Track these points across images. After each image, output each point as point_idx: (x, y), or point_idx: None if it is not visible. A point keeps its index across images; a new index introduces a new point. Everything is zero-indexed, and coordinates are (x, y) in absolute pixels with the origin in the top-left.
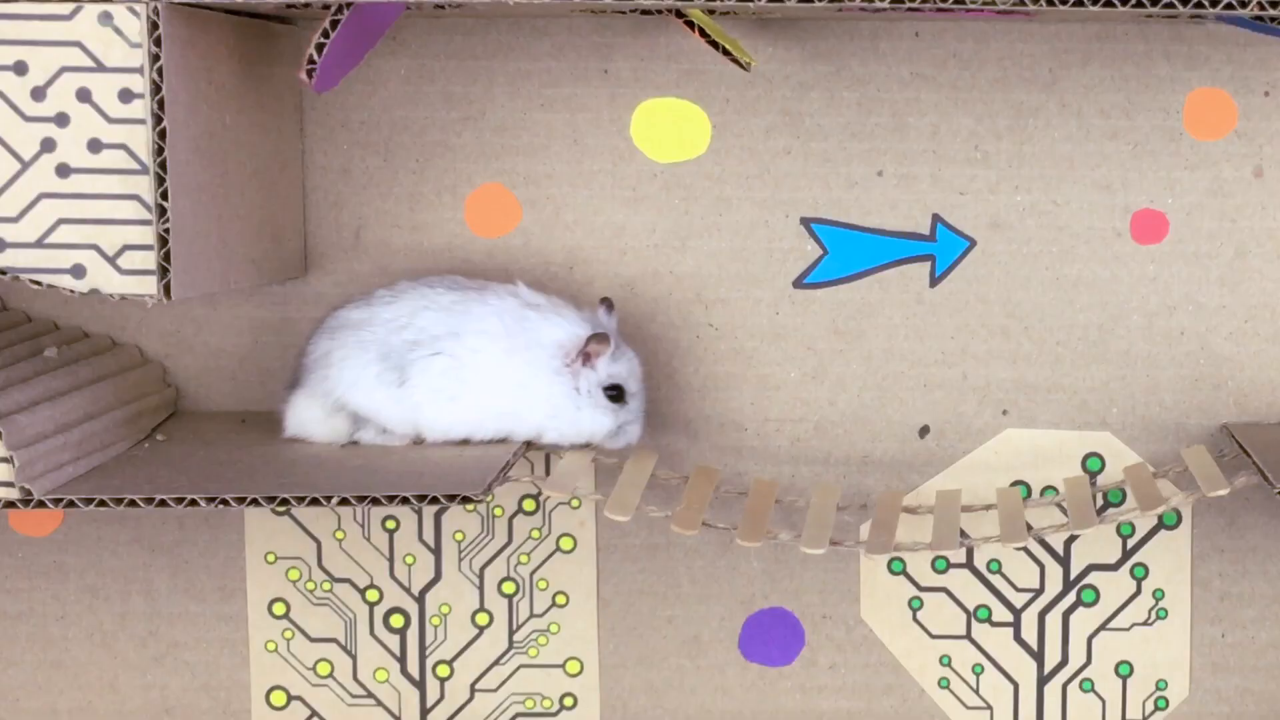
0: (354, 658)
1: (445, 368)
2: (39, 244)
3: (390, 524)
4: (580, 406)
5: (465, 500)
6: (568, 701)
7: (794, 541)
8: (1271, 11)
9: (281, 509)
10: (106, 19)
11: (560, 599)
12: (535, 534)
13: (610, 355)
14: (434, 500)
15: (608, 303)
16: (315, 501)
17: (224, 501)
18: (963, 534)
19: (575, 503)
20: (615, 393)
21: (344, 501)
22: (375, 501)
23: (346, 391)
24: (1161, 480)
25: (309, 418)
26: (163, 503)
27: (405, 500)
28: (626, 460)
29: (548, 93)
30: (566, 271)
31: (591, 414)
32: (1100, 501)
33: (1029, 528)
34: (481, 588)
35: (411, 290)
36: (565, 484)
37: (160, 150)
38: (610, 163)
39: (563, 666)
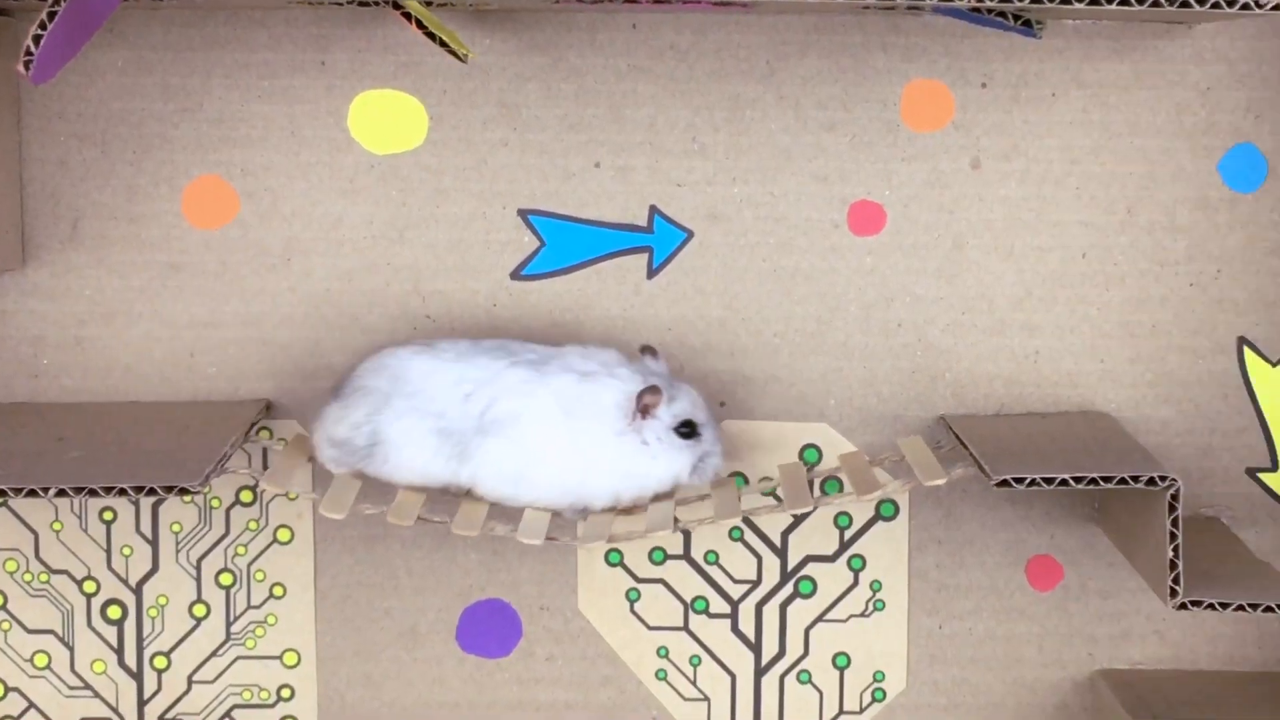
0: (71, 649)
1: (508, 453)
2: None
3: (108, 515)
4: (655, 456)
5: (183, 491)
6: (285, 693)
7: (510, 534)
8: (988, 3)
9: None
10: None
11: (278, 590)
12: (253, 525)
13: (666, 401)
14: (151, 491)
15: (650, 350)
16: (33, 493)
17: None
18: (675, 520)
19: (292, 495)
20: (687, 429)
21: (61, 493)
22: (92, 493)
23: (396, 464)
24: (878, 469)
25: (338, 433)
26: None
27: (123, 491)
28: None
29: (265, 84)
30: (284, 263)
31: (667, 459)
32: (817, 492)
33: (740, 505)
34: (199, 579)
35: (475, 359)
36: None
37: None
38: (328, 154)
39: (280, 658)
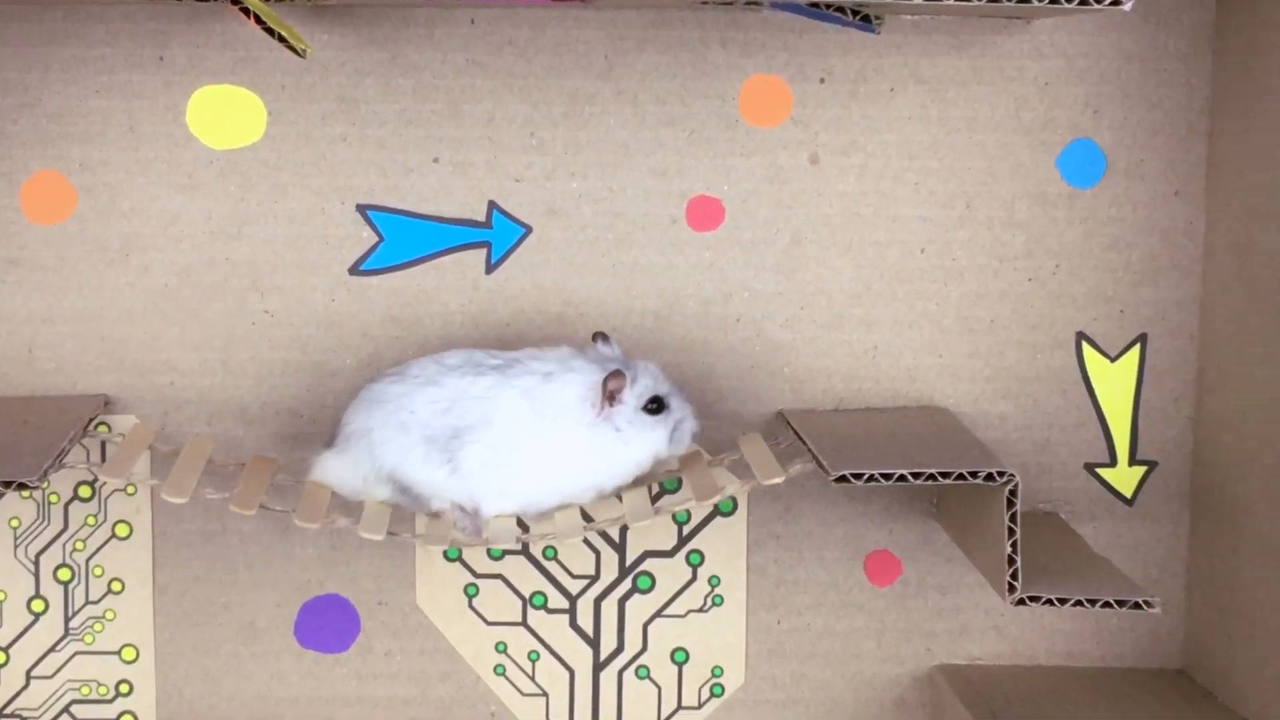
0: None
1: (485, 459)
2: None
3: None
4: (628, 440)
5: (20, 486)
6: (124, 688)
7: (352, 527)
8: None
9: None
10: None
11: (116, 586)
12: (91, 520)
13: (629, 383)
14: None
15: (602, 336)
16: None
17: None
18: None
19: (131, 489)
20: (655, 405)
21: None
22: None
23: (395, 469)
24: (717, 468)
25: (344, 478)
26: None
27: None
28: (184, 445)
29: (103, 79)
30: (123, 259)
31: (641, 439)
32: (656, 489)
33: (585, 520)
34: (37, 574)
35: (446, 372)
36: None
37: None
38: (166, 150)
39: (119, 653)
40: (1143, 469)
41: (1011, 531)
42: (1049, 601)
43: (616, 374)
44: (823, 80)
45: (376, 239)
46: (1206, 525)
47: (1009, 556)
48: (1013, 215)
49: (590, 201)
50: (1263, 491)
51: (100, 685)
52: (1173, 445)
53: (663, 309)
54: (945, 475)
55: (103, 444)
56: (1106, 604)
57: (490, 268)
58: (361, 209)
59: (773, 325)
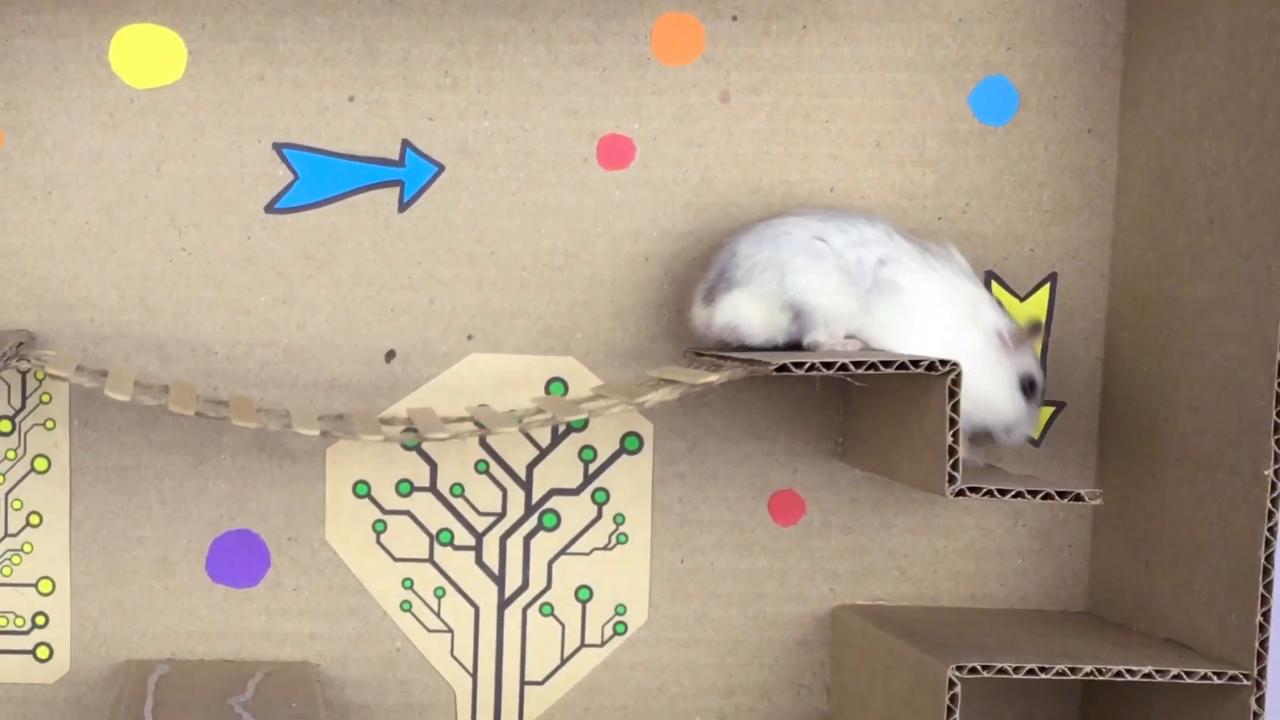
0: None
1: (896, 319)
2: None
3: None
4: (1008, 393)
5: None
6: (40, 620)
7: (285, 429)
8: None
9: None
10: None
11: (34, 519)
12: (11, 455)
13: (1029, 348)
14: None
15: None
16: None
17: None
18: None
19: (50, 424)
20: (1028, 385)
21: None
22: None
23: (801, 293)
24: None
25: (750, 314)
26: None
27: None
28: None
29: (28, 19)
30: (45, 196)
31: (1011, 400)
32: (564, 429)
33: (513, 419)
34: None
35: (859, 222)
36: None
37: None
38: (89, 89)
39: (35, 586)
40: (1050, 409)
41: (953, 422)
42: (989, 493)
43: (1037, 328)
44: (735, 18)
45: (292, 177)
46: (1115, 465)
47: (949, 448)
48: (923, 153)
49: (502, 140)
50: (1172, 429)
51: (17, 617)
52: (1081, 385)
53: (571, 248)
54: (887, 365)
55: (23, 376)
56: (1047, 495)
57: (403, 206)
58: (278, 147)
59: (681, 264)
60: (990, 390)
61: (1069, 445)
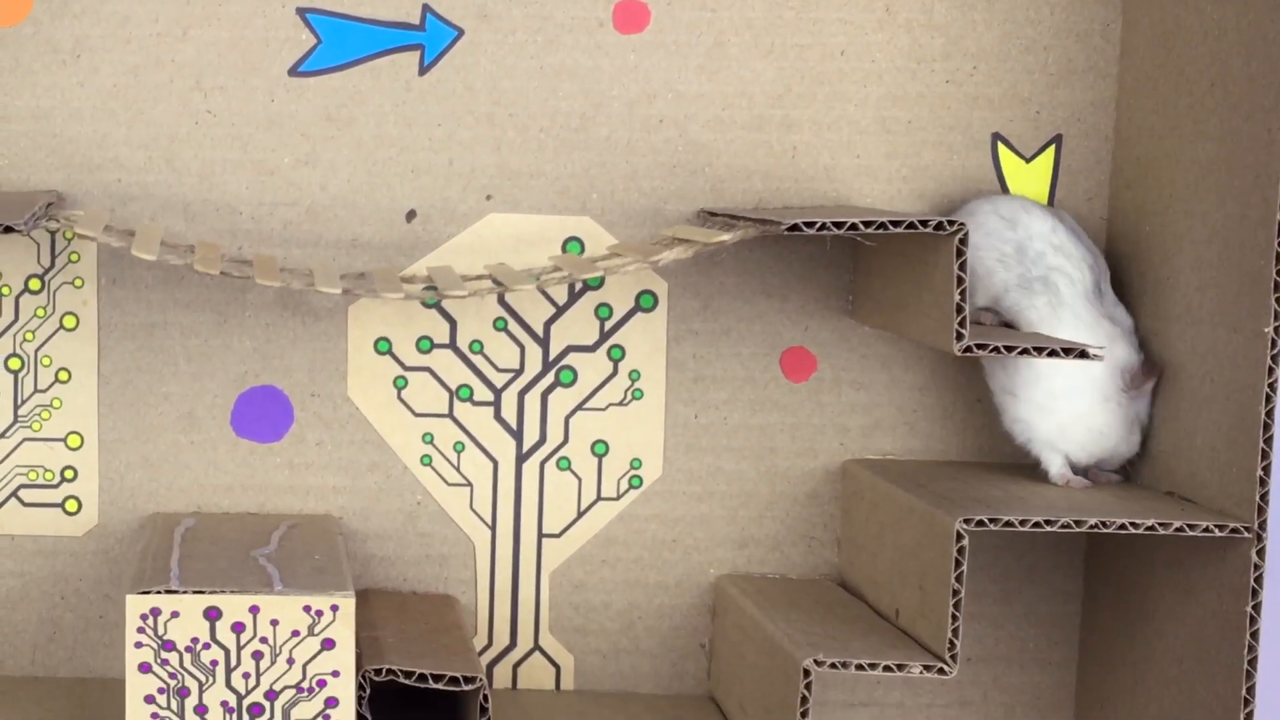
0: None
1: (1044, 315)
2: None
3: None
4: (1118, 429)
5: (8, 230)
6: (68, 474)
7: (308, 288)
8: None
9: None
10: None
11: (63, 375)
12: (40, 312)
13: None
14: None
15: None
16: None
17: None
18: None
19: (79, 282)
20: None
21: None
22: None
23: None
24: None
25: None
26: None
27: None
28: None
29: None
30: (74, 60)
31: (1120, 436)
32: (580, 287)
33: (531, 277)
34: None
35: (1066, 233)
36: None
37: None
38: None
39: (64, 440)
40: None
41: (960, 280)
42: (995, 350)
43: (1150, 371)
44: None
45: (315, 41)
46: None
47: (957, 305)
48: (931, 17)
49: (520, 4)
50: (1174, 288)
51: (46, 471)
52: None
53: (589, 110)
54: (896, 224)
55: (52, 236)
56: (1052, 352)
57: (423, 69)
58: (301, 12)
59: (695, 126)
60: (1102, 422)
61: None
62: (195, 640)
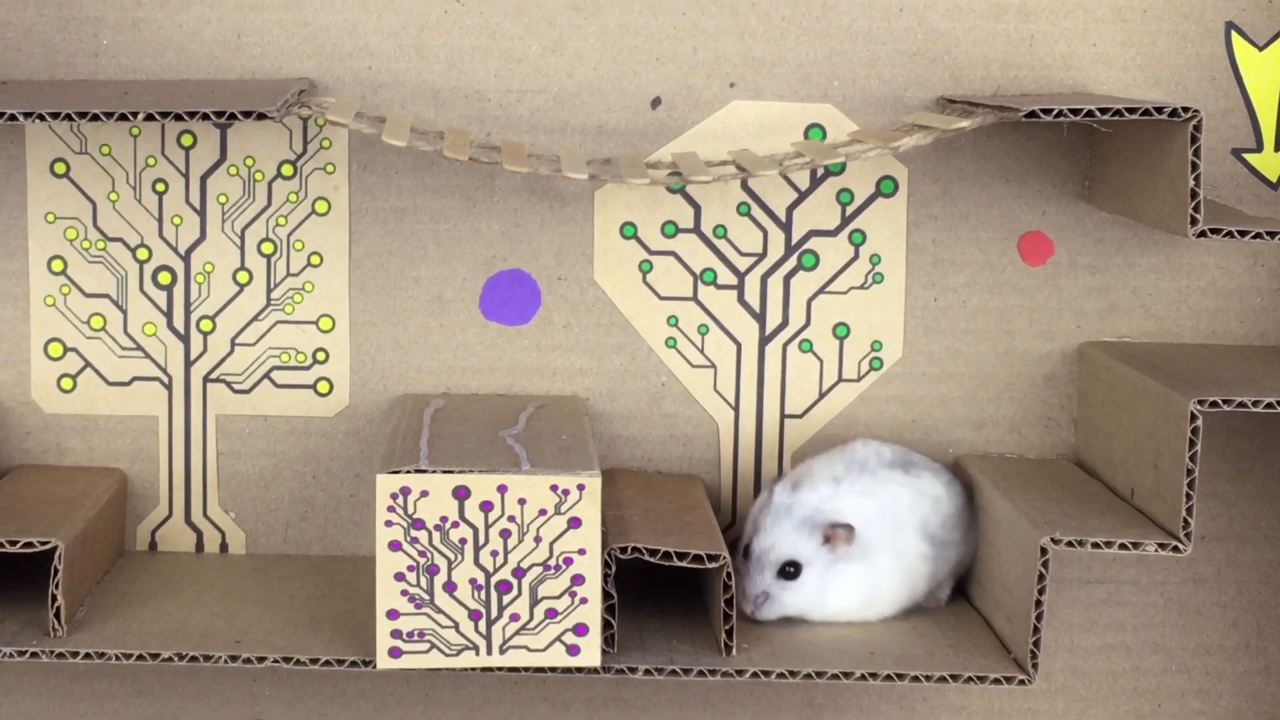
0: (125, 312)
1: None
2: None
3: (160, 186)
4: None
5: (261, 116)
6: (320, 356)
7: (555, 174)
8: None
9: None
10: None
11: (315, 259)
12: (293, 198)
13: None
14: (232, 117)
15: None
16: (123, 117)
17: (12, 117)
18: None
19: (330, 168)
20: (791, 569)
21: (150, 118)
22: (178, 117)
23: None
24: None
25: None
26: None
27: (206, 116)
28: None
29: None
30: None
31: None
32: (822, 173)
33: (773, 162)
34: (242, 248)
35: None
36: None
37: None
38: None
39: (316, 323)
40: None
41: (1195, 166)
42: (1229, 234)
43: (846, 529)
44: None
45: None
46: None
47: (1191, 190)
48: None
49: None
50: None
51: (299, 353)
52: None
53: None
54: (1131, 111)
55: (304, 123)
56: None
57: None
58: None
59: (934, 14)
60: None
61: None
62: (444, 519)
